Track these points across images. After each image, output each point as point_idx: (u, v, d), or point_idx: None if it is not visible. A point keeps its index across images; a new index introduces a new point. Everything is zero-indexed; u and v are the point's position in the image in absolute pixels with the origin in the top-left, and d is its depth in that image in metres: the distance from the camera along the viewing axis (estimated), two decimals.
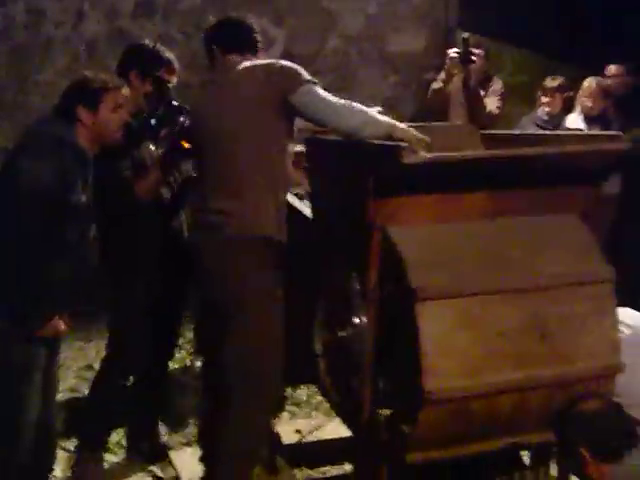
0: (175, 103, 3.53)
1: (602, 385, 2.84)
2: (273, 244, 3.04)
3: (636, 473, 2.28)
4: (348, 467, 3.82)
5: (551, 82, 5.88)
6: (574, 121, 5.73)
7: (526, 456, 3.26)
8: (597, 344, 2.83)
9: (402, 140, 2.70)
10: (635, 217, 5.52)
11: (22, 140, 3.10)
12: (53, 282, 3.08)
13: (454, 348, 2.64)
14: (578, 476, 2.46)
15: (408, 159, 2.49)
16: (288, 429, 4.02)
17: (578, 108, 5.81)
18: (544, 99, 5.89)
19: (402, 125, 2.81)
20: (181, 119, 3.42)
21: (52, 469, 3.64)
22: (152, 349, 3.91)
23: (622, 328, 2.98)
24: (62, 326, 3.18)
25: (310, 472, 3.91)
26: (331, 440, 3.95)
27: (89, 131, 3.12)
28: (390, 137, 2.76)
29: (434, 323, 2.62)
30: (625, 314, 3.24)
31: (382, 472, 2.92)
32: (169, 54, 3.80)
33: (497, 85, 5.85)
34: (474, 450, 2.83)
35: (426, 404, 2.58)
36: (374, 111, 2.90)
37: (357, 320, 2.92)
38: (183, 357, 5.30)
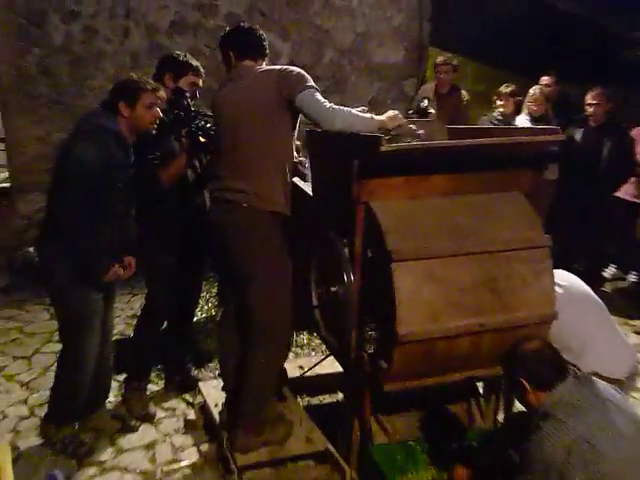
0: (193, 108, 3.51)
1: (540, 330, 2.84)
2: (282, 217, 3.01)
3: (563, 398, 2.28)
4: (340, 395, 3.88)
5: (505, 89, 5.87)
6: (522, 121, 5.72)
7: (480, 387, 3.28)
8: (536, 297, 2.81)
9: (390, 128, 2.73)
10: (568, 198, 5.49)
11: (75, 128, 3.09)
12: (105, 242, 3.10)
13: (422, 300, 2.62)
14: (520, 402, 2.45)
15: (384, 147, 2.47)
16: (292, 366, 4.01)
17: (525, 110, 5.80)
18: (499, 102, 5.89)
19: (381, 117, 2.79)
20: (198, 121, 3.41)
21: (107, 395, 3.71)
22: (181, 300, 3.95)
23: (556, 287, 2.94)
24: (121, 271, 3.22)
25: (310, 399, 3.92)
26: (326, 374, 3.92)
27: (127, 122, 3.12)
28: (379, 129, 2.74)
29: (406, 280, 2.61)
30: (559, 275, 3.21)
31: (366, 399, 2.93)
32: (196, 62, 3.75)
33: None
34: (438, 381, 2.83)
35: (399, 345, 2.58)
36: (359, 109, 2.85)
37: (345, 278, 2.90)
38: (209, 308, 5.30)
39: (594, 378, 2.40)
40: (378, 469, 2.87)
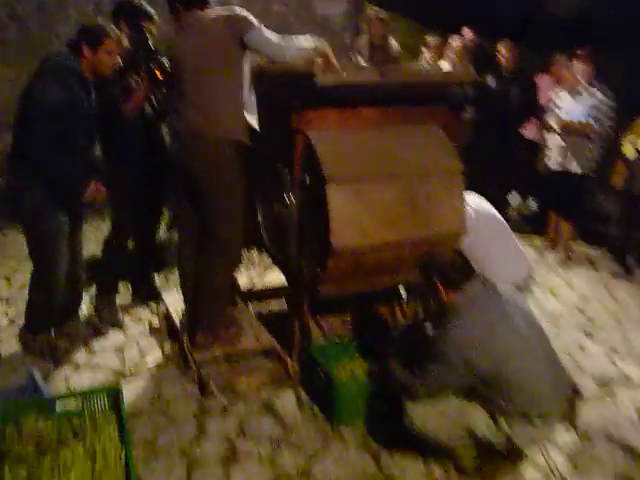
0: (151, 46, 3.37)
1: (453, 242, 2.92)
2: (241, 145, 2.92)
3: (471, 297, 2.36)
4: (284, 302, 3.81)
5: (431, 39, 5.78)
6: (444, 68, 5.66)
7: (403, 291, 3.33)
8: (450, 215, 2.86)
9: (325, 54, 2.66)
10: (482, 135, 5.55)
11: (39, 67, 2.93)
12: (74, 170, 3.02)
13: (352, 217, 2.64)
14: (434, 301, 2.50)
15: (319, 81, 2.46)
16: (244, 277, 3.99)
17: (447, 59, 5.73)
18: (425, 52, 5.78)
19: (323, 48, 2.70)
20: (157, 57, 3.27)
21: (80, 305, 3.65)
22: (144, 221, 3.89)
23: (468, 208, 2.99)
24: (96, 188, 3.07)
25: (260, 306, 3.91)
26: (273, 285, 3.92)
27: (88, 64, 2.98)
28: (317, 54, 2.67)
29: (338, 200, 2.62)
30: (471, 199, 3.27)
31: (305, 303, 3.01)
32: (151, 9, 3.56)
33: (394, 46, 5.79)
34: (367, 287, 2.90)
35: (333, 255, 2.63)
36: (307, 37, 2.78)
37: (287, 199, 2.88)
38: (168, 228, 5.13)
39: (496, 283, 2.47)
40: (315, 361, 2.95)
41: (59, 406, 2.41)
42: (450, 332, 2.23)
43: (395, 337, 2.97)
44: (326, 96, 2.60)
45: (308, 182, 2.76)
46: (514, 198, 6.69)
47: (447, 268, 2.40)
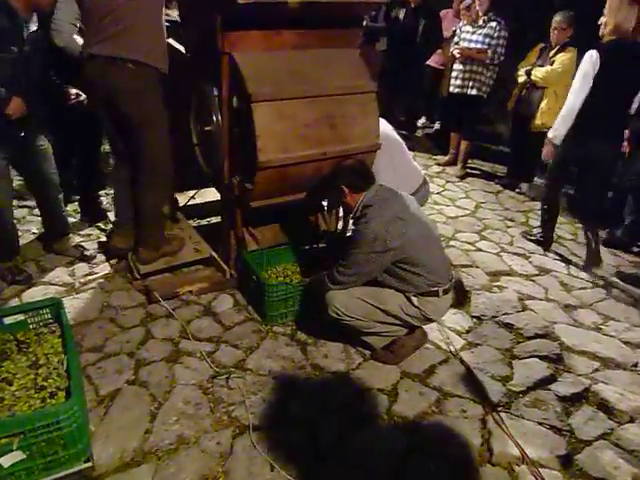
0: None
1: (368, 158, 2.74)
2: (161, 73, 2.59)
3: (376, 195, 2.29)
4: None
5: None
6: None
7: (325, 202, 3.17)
8: (364, 132, 2.69)
9: None
10: (393, 63, 5.34)
11: None
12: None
13: (276, 134, 2.43)
14: (342, 205, 2.46)
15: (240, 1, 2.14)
16: (185, 196, 3.67)
17: None
18: None
19: None
20: None
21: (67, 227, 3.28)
22: (86, 147, 3.54)
23: None
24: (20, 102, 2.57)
25: (200, 221, 3.72)
26: (211, 201, 3.69)
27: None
28: None
29: (263, 117, 2.40)
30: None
31: (237, 215, 2.84)
32: None
33: None
34: (292, 199, 2.73)
35: (259, 170, 2.47)
36: None
37: (215, 118, 2.62)
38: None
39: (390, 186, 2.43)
40: (249, 266, 2.82)
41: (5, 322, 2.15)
42: (366, 223, 2.20)
43: (323, 240, 2.94)
44: (248, 17, 2.30)
45: (235, 102, 2.51)
46: (421, 121, 6.60)
47: (350, 174, 2.33)
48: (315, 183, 2.62)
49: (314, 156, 2.53)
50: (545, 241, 3.76)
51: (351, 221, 2.46)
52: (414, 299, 2.33)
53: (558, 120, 3.31)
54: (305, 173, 2.59)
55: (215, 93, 2.59)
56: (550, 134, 3.40)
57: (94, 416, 2.08)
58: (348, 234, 2.56)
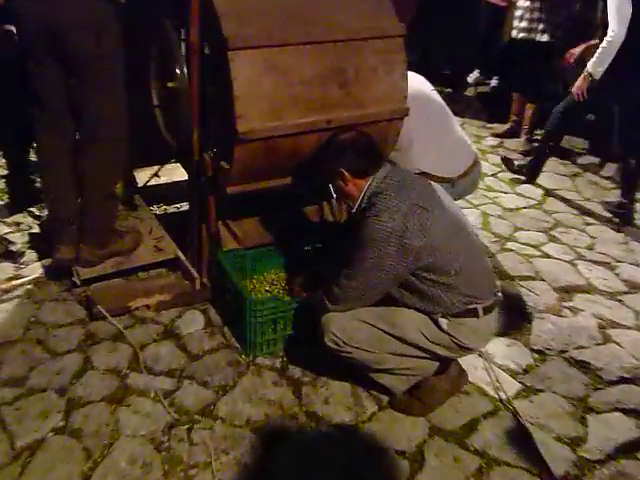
0: None
1: (392, 127, 2.69)
2: (120, 7, 2.64)
3: (386, 179, 2.28)
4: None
5: None
6: None
7: None
8: (387, 92, 2.63)
9: None
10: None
11: None
12: None
13: (263, 94, 2.37)
14: (341, 193, 2.41)
15: None
16: (146, 174, 3.66)
17: None
18: None
19: None
20: None
21: None
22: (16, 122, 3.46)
23: None
24: None
25: (166, 207, 3.80)
26: (181, 181, 3.59)
27: None
28: None
29: (244, 70, 2.33)
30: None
31: (210, 203, 2.82)
32: None
33: None
34: (281, 183, 2.70)
35: (239, 143, 2.41)
36: None
37: (178, 71, 2.60)
38: None
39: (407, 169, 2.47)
40: (226, 273, 2.79)
41: None
42: (377, 217, 2.18)
43: (326, 238, 3.00)
44: None
45: (206, 49, 2.47)
46: (474, 77, 6.55)
47: (352, 152, 2.32)
48: (303, 164, 2.60)
49: (316, 125, 2.48)
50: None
51: (354, 216, 2.43)
52: (443, 322, 2.30)
53: (601, 51, 3.74)
54: (302, 149, 2.54)
55: (181, 37, 2.58)
56: (590, 67, 3.82)
57: (6, 477, 2.07)
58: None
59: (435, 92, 3.14)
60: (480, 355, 2.73)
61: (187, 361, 2.65)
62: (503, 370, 2.75)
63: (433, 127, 2.99)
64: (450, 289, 2.26)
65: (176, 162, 3.28)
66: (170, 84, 2.68)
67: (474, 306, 2.30)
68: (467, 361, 2.56)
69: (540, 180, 4.70)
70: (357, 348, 2.32)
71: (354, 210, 2.36)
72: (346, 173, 2.30)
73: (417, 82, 2.99)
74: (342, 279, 2.29)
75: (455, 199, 2.57)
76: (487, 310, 2.33)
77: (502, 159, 4.77)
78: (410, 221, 2.15)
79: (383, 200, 2.21)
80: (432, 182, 2.39)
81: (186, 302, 2.97)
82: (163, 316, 2.91)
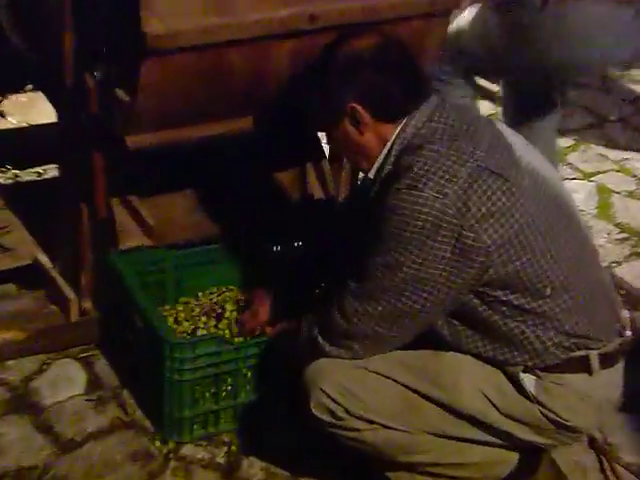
0: None
1: (433, 27, 2.59)
2: None
3: (431, 125, 2.13)
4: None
5: None
6: None
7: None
8: None
9: None
10: None
11: None
12: None
13: None
14: (346, 145, 2.28)
15: None
16: None
17: None
18: None
19: None
20: None
21: None
22: None
23: None
24: None
25: (19, 174, 3.79)
26: (47, 125, 3.53)
27: None
28: None
29: None
30: None
31: (97, 165, 2.67)
32: None
33: None
34: (229, 131, 2.61)
35: (148, 57, 2.25)
36: None
37: None
38: None
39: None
40: (127, 292, 2.66)
41: None
42: (409, 189, 2.02)
43: (313, 230, 2.98)
44: None
45: None
46: None
47: (377, 74, 2.15)
48: (272, 96, 2.56)
49: (293, 23, 2.37)
50: None
51: (372, 186, 2.34)
52: (527, 379, 2.16)
53: None
54: (265, 68, 2.48)
55: None
56: None
57: None
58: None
59: None
60: (593, 442, 2.61)
61: (53, 454, 2.51)
62: (633, 473, 2.63)
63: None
64: (543, 321, 2.11)
65: (35, 89, 3.32)
66: None
67: (584, 352, 2.15)
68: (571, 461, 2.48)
69: None
70: (369, 422, 2.18)
71: (371, 176, 2.25)
72: (362, 111, 2.12)
73: None
74: (348, 300, 2.15)
75: None
76: (606, 360, 2.17)
77: None
78: (474, 198, 1.98)
79: (425, 159, 2.04)
80: (507, 128, 2.33)
81: (54, 345, 2.90)
82: (10, 371, 2.81)
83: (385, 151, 2.17)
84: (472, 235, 1.98)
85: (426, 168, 2.02)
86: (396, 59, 2.17)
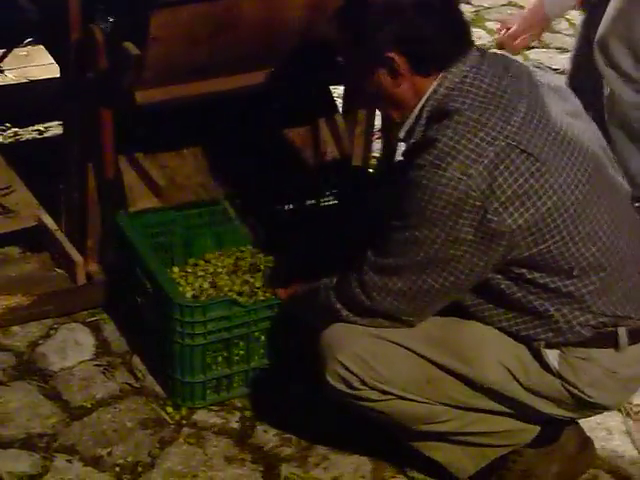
0: None
1: None
2: None
3: (466, 81, 2.08)
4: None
5: None
6: None
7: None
8: None
9: None
10: None
11: None
12: None
13: None
14: (380, 97, 2.21)
15: None
16: None
17: None
18: None
19: None
20: None
21: None
22: None
23: None
24: None
25: (19, 132, 3.73)
26: (42, 81, 3.68)
27: None
28: None
29: None
30: None
31: (105, 122, 2.63)
32: None
33: None
34: (244, 85, 2.61)
35: (159, 6, 2.26)
36: None
37: None
38: None
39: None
40: (136, 254, 2.65)
41: None
42: (435, 163, 1.99)
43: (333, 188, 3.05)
44: None
45: None
46: None
47: (416, 21, 2.07)
48: (296, 45, 2.55)
49: None
50: None
51: (401, 148, 2.38)
52: (550, 354, 2.16)
53: None
54: (278, 18, 2.48)
55: None
56: None
57: None
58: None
59: None
60: (621, 412, 2.64)
61: (62, 421, 2.50)
62: None
63: None
64: (569, 300, 2.11)
65: (37, 43, 3.33)
66: None
67: (612, 329, 2.14)
68: (594, 423, 2.47)
69: None
70: (387, 394, 2.17)
71: (402, 134, 2.18)
72: (399, 61, 2.05)
73: None
74: (368, 274, 2.14)
75: None
76: (636, 336, 2.17)
77: None
78: (500, 179, 1.96)
79: (452, 133, 2.01)
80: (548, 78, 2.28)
81: (60, 310, 2.87)
82: (15, 337, 2.79)
83: (418, 107, 2.12)
84: (496, 219, 1.96)
85: (452, 144, 1.98)
86: (440, 3, 2.11)
